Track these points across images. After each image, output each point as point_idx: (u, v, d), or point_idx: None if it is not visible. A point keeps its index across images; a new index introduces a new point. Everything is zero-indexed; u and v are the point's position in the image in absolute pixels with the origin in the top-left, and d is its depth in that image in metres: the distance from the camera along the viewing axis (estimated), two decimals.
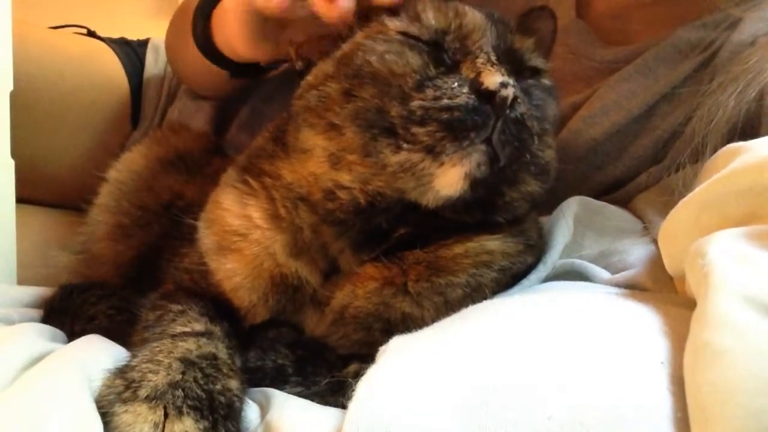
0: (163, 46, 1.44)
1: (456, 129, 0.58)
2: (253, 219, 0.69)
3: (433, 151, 0.59)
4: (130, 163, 1.03)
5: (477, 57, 0.62)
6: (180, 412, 0.51)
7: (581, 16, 1.05)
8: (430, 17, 0.66)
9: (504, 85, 0.58)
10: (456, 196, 0.60)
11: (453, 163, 0.59)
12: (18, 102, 0.89)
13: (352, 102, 0.62)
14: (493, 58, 0.62)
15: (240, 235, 0.69)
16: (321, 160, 0.65)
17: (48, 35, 1.36)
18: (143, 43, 1.45)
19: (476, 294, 0.66)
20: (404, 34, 0.66)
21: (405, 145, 0.59)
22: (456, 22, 0.66)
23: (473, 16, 0.67)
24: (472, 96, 0.59)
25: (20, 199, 0.91)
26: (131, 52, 1.40)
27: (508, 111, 0.58)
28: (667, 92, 0.91)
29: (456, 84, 0.60)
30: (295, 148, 0.67)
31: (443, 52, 0.65)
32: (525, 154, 0.62)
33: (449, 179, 0.59)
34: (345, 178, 0.64)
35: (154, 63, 1.40)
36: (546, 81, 0.71)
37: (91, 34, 1.45)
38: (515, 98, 0.59)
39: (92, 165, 1.05)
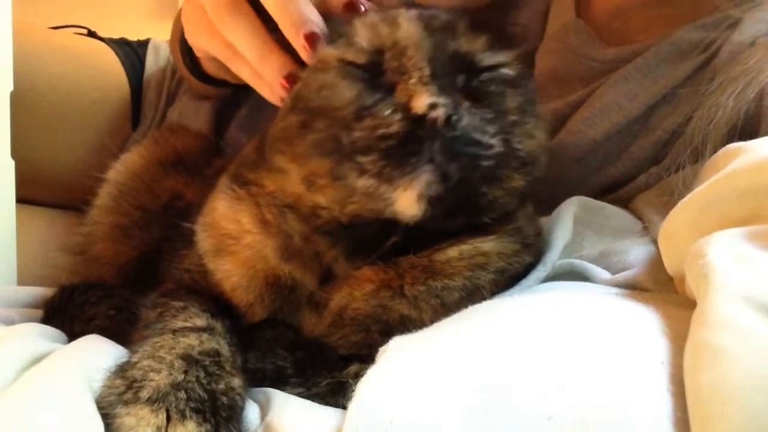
0: (164, 47, 1.45)
1: (395, 157, 0.58)
2: (243, 224, 0.70)
3: (383, 178, 0.59)
4: (130, 164, 1.03)
5: (411, 77, 0.61)
6: (183, 416, 0.51)
7: (581, 16, 1.05)
8: (363, 39, 0.65)
9: (433, 106, 0.57)
10: (421, 215, 0.60)
11: (404, 187, 0.59)
12: (18, 102, 0.89)
13: (310, 133, 0.63)
14: (426, 75, 0.60)
15: (233, 238, 0.70)
16: (296, 182, 0.65)
17: (48, 35, 1.36)
18: (143, 44, 1.45)
19: (474, 296, 0.65)
20: (341, 61, 0.65)
21: (362, 172, 0.60)
22: (391, 38, 0.64)
23: (407, 29, 0.64)
24: (405, 122, 0.58)
25: (20, 200, 0.91)
26: (131, 52, 1.39)
27: (443, 130, 0.57)
28: (667, 92, 0.91)
29: (389, 111, 0.59)
30: (272, 167, 0.68)
31: (382, 74, 0.63)
32: (479, 162, 0.60)
33: (406, 202, 0.59)
34: (321, 200, 0.64)
35: (154, 64, 1.40)
36: (507, 71, 0.66)
37: (92, 34, 1.45)
38: (449, 117, 0.57)
39: (92, 165, 1.05)
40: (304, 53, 0.68)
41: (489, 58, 0.65)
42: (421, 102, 0.57)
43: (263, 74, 0.73)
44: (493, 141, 0.61)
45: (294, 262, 0.68)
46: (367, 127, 0.59)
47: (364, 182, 0.60)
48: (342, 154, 0.61)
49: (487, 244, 0.67)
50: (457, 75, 0.63)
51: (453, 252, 0.66)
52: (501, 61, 0.66)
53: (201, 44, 0.85)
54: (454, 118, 0.58)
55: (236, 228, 0.70)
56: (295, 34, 0.68)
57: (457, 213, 0.64)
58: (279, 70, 0.71)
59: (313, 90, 0.65)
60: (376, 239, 0.65)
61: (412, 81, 0.60)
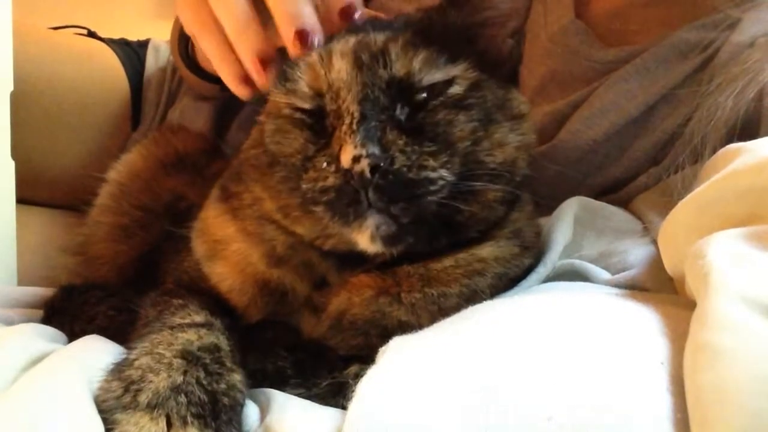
0: (164, 47, 1.45)
1: (335, 208, 0.60)
2: (229, 233, 0.71)
3: (336, 223, 0.60)
4: (130, 164, 1.03)
5: (343, 124, 0.60)
6: (184, 422, 0.50)
7: (580, 17, 1.05)
8: (304, 84, 0.64)
9: (356, 159, 0.57)
10: (386, 251, 0.61)
11: (357, 231, 0.60)
12: (18, 102, 0.89)
13: (278, 172, 0.65)
14: (356, 121, 0.59)
15: (223, 244, 0.71)
16: (273, 209, 0.67)
17: (48, 36, 1.36)
18: (143, 44, 1.45)
19: (472, 300, 0.65)
20: (290, 106, 0.65)
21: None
22: (326, 80, 0.62)
23: (338, 68, 0.62)
24: (338, 174, 0.58)
25: (20, 200, 0.91)
26: (131, 52, 1.40)
27: (373, 179, 0.57)
28: (666, 93, 0.91)
29: (325, 164, 0.60)
30: (249, 188, 0.70)
31: (324, 119, 0.63)
32: (424, 199, 0.59)
33: (364, 242, 0.61)
34: (299, 229, 0.66)
35: (155, 64, 1.40)
36: (454, 90, 0.63)
37: (92, 34, 1.45)
38: (375, 167, 0.57)
39: (92, 166, 1.05)
40: (292, 48, 0.67)
41: (431, 76, 0.62)
42: (346, 156, 0.57)
43: (238, 50, 0.70)
44: (441, 173, 0.59)
45: (283, 268, 0.69)
46: (311, 179, 0.61)
47: (328, 223, 0.62)
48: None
49: (484, 251, 0.67)
50: (396, 105, 0.61)
51: (449, 261, 0.66)
52: (443, 77, 0.62)
53: (185, 19, 0.79)
54: (383, 165, 0.57)
55: (224, 235, 0.71)
56: (288, 27, 0.67)
57: (438, 235, 0.63)
58: (255, 47, 0.69)
59: (269, 135, 0.66)
60: (363, 259, 0.65)
61: (343, 129, 0.59)
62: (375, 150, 0.57)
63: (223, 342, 0.60)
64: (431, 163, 0.59)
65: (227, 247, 0.71)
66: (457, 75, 0.63)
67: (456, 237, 0.65)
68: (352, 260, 0.66)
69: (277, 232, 0.68)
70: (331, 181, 0.59)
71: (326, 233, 0.65)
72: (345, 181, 0.58)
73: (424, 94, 0.62)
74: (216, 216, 0.73)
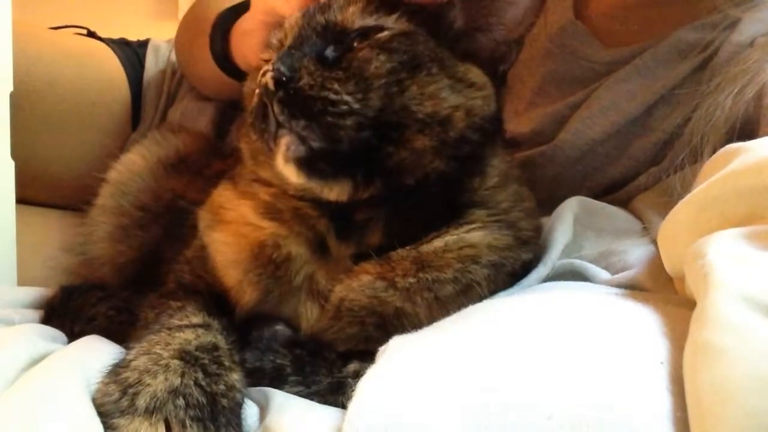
0: (164, 47, 1.44)
1: (256, 127, 0.65)
2: (228, 196, 0.75)
3: (267, 148, 0.65)
4: (130, 164, 1.03)
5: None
6: (183, 426, 0.50)
7: (579, 17, 1.05)
8: (275, 39, 0.72)
9: (264, 74, 0.62)
10: (303, 181, 0.64)
11: (276, 151, 0.64)
12: (18, 103, 0.89)
13: (247, 120, 0.70)
14: (285, 49, 0.66)
15: (224, 209, 0.75)
16: (249, 159, 0.73)
17: (48, 36, 1.36)
18: (143, 44, 1.45)
19: (469, 292, 0.66)
20: (263, 60, 0.73)
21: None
22: (285, 29, 0.71)
23: (293, 18, 0.71)
24: (258, 93, 0.64)
25: (20, 200, 0.90)
26: (131, 52, 1.40)
27: (277, 92, 0.62)
28: (666, 93, 0.91)
29: (255, 87, 0.65)
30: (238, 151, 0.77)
31: None
32: (326, 118, 0.62)
33: (281, 165, 0.64)
34: (263, 173, 0.71)
35: (155, 64, 1.40)
36: (381, 35, 0.67)
37: (91, 34, 1.45)
38: (279, 81, 0.61)
39: (93, 166, 1.05)
40: None
41: (361, 21, 0.68)
42: (265, 73, 0.63)
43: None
44: (345, 98, 0.62)
45: (276, 222, 0.70)
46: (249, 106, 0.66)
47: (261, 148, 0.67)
48: None
49: (473, 235, 0.68)
50: (329, 46, 0.66)
51: (438, 243, 0.67)
52: (374, 23, 0.67)
53: None
54: (284, 79, 0.61)
55: (224, 200, 0.75)
56: None
57: (371, 177, 0.65)
58: None
59: (246, 92, 0.73)
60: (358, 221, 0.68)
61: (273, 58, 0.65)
62: (281, 67, 0.62)
63: (221, 341, 0.60)
64: (335, 87, 0.62)
65: (226, 212, 0.74)
66: (388, 23, 0.68)
67: (392, 182, 0.66)
68: (342, 218, 0.68)
69: (258, 184, 0.72)
70: (255, 100, 0.65)
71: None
72: (259, 97, 0.63)
73: (355, 38, 0.67)
74: (221, 190, 0.77)
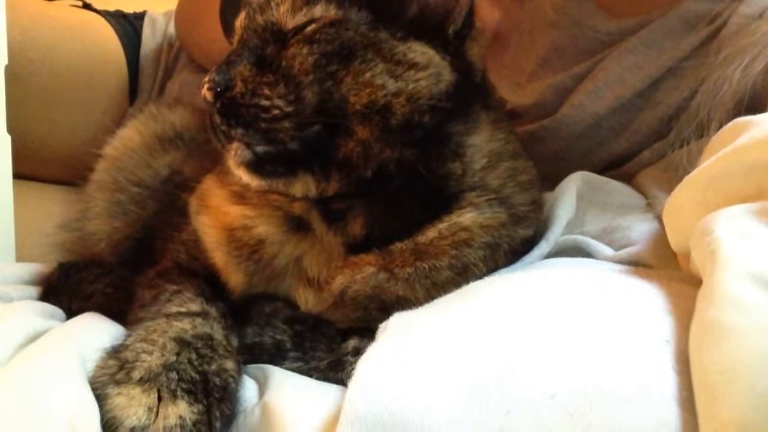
0: (161, 19, 1.43)
1: (209, 130, 0.66)
2: (211, 184, 0.77)
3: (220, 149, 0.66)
4: (126, 139, 1.02)
5: None
6: (174, 396, 0.51)
7: None
8: (237, 24, 0.71)
9: (202, 86, 0.63)
10: (257, 183, 0.65)
11: (228, 156, 0.65)
12: (13, 77, 0.88)
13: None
14: (221, 62, 0.65)
15: (208, 194, 0.76)
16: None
17: (43, 8, 1.34)
18: (140, 16, 1.43)
19: (466, 274, 0.66)
20: None
21: None
22: (235, 29, 0.71)
23: (240, 18, 0.70)
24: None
25: (17, 176, 0.90)
26: (128, 25, 1.38)
27: (216, 103, 0.63)
28: (673, 66, 0.90)
29: None
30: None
31: None
32: (257, 124, 0.62)
33: (234, 168, 0.65)
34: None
35: (151, 36, 1.39)
36: (308, 29, 0.65)
37: (87, 6, 1.43)
38: (216, 93, 0.62)
39: (90, 140, 1.04)
40: None
41: (292, 21, 0.67)
42: (203, 85, 0.63)
43: None
44: (276, 102, 0.62)
45: (243, 205, 0.71)
46: None
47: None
48: None
49: (465, 218, 0.67)
50: (268, 46, 0.66)
51: (432, 232, 0.67)
52: (304, 20, 0.66)
53: None
54: (219, 90, 0.62)
55: (208, 186, 0.76)
56: None
57: (328, 170, 0.64)
58: None
59: None
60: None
61: None
62: (216, 77, 0.63)
63: (218, 331, 0.61)
64: (266, 92, 0.62)
65: (209, 198, 0.75)
66: (315, 16, 0.66)
67: (349, 174, 0.65)
68: (324, 205, 0.68)
69: (231, 175, 0.71)
70: (209, 110, 0.65)
71: None
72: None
73: (291, 37, 0.66)
74: (207, 178, 0.78)
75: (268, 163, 0.64)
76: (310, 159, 0.63)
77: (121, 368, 0.53)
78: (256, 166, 0.64)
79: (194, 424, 0.50)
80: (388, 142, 0.64)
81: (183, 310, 0.64)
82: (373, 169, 0.65)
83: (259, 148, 0.63)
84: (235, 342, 0.62)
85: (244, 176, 0.65)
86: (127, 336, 0.58)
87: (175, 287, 0.69)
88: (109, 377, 0.52)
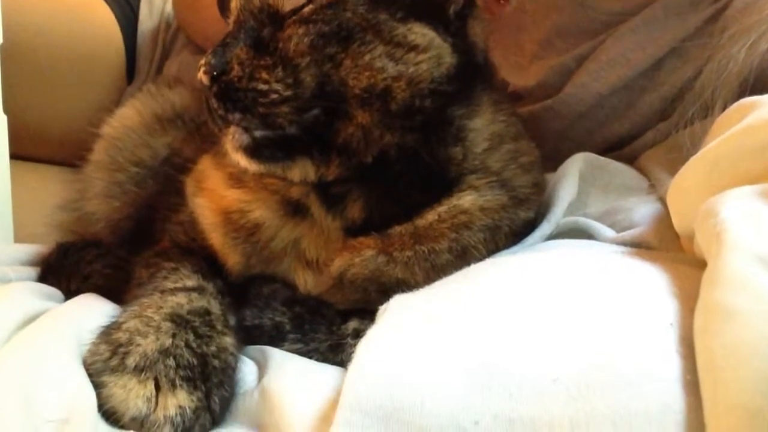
0: None
1: (207, 113, 0.64)
2: (207, 165, 0.76)
3: (218, 133, 0.65)
4: (125, 118, 1.01)
5: None
6: (173, 385, 0.50)
7: None
8: (233, 5, 0.69)
9: (198, 69, 0.62)
10: (256, 168, 0.64)
11: (226, 141, 0.64)
12: (9, 56, 0.88)
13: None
14: (217, 44, 0.64)
15: (204, 176, 0.75)
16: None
17: None
18: None
19: (466, 256, 0.66)
20: None
21: None
22: (231, 9, 0.68)
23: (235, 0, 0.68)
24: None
25: (15, 156, 0.90)
26: (125, 4, 1.37)
27: (212, 87, 0.61)
28: (676, 45, 0.89)
29: None
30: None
31: None
32: (257, 109, 0.60)
33: (232, 153, 0.64)
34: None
35: (149, 15, 1.38)
36: (305, 9, 0.63)
37: None
38: (212, 76, 0.61)
39: (87, 120, 1.03)
40: None
41: (288, 2, 0.64)
42: (200, 68, 0.62)
43: None
44: (274, 86, 0.60)
45: (240, 189, 0.71)
46: None
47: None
48: None
49: (465, 200, 0.67)
50: (265, 28, 0.64)
51: (432, 216, 0.66)
52: (300, 1, 0.64)
53: None
54: (215, 73, 0.61)
55: (204, 168, 0.76)
56: None
57: (327, 155, 0.63)
58: None
59: None
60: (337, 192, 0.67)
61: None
62: (213, 61, 0.61)
63: (215, 306, 0.60)
64: (263, 75, 0.61)
65: (206, 179, 0.74)
66: (307, 2, 0.64)
67: (349, 159, 0.64)
68: (323, 189, 0.67)
69: (227, 158, 0.70)
70: (206, 94, 0.64)
71: None
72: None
73: (289, 18, 0.64)
74: (203, 159, 0.78)
75: (266, 148, 0.63)
76: (309, 144, 0.62)
77: (114, 353, 0.52)
78: (254, 150, 0.63)
79: (194, 411, 0.50)
80: (389, 127, 0.63)
81: (179, 285, 0.63)
82: (374, 154, 0.64)
83: (258, 133, 0.62)
84: (232, 320, 0.62)
85: (241, 161, 0.64)
86: (122, 312, 0.58)
87: (172, 265, 0.68)
88: (102, 363, 0.51)
